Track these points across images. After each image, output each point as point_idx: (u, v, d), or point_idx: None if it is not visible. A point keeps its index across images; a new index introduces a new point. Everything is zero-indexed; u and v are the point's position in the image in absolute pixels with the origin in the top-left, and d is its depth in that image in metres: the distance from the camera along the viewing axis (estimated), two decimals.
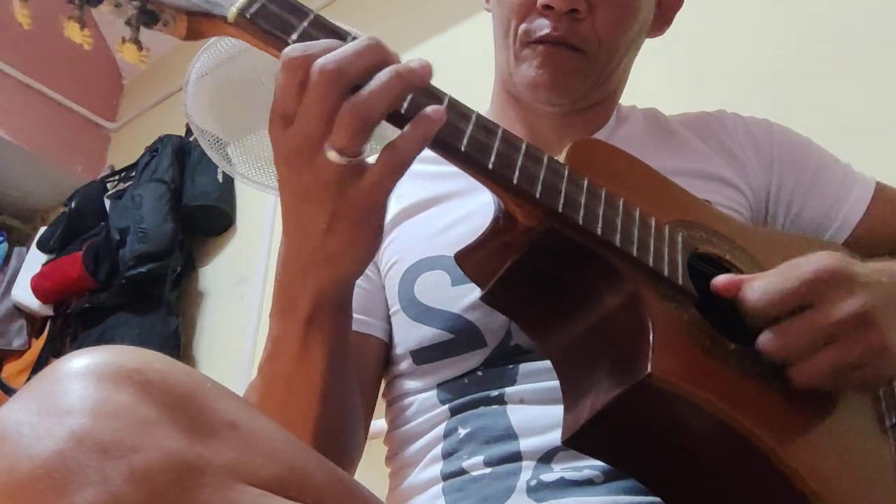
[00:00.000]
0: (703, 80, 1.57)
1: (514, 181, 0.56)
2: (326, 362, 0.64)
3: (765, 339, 0.58)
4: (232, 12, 0.55)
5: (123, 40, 0.57)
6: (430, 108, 0.52)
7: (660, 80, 1.42)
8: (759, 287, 0.59)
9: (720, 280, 0.61)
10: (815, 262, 0.60)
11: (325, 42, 0.53)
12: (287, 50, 0.52)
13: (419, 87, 0.54)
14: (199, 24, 0.56)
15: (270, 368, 0.66)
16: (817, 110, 1.38)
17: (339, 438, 0.71)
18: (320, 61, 0.51)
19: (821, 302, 0.58)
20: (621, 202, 0.61)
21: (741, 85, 1.50)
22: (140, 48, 0.58)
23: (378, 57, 0.52)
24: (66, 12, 0.56)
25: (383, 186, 0.53)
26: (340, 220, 0.55)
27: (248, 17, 0.55)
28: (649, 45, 0.91)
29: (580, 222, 0.57)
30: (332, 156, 0.52)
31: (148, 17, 0.56)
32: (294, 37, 0.54)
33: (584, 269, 0.59)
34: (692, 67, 1.59)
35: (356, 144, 0.51)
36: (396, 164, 0.53)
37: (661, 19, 0.90)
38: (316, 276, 0.59)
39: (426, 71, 0.54)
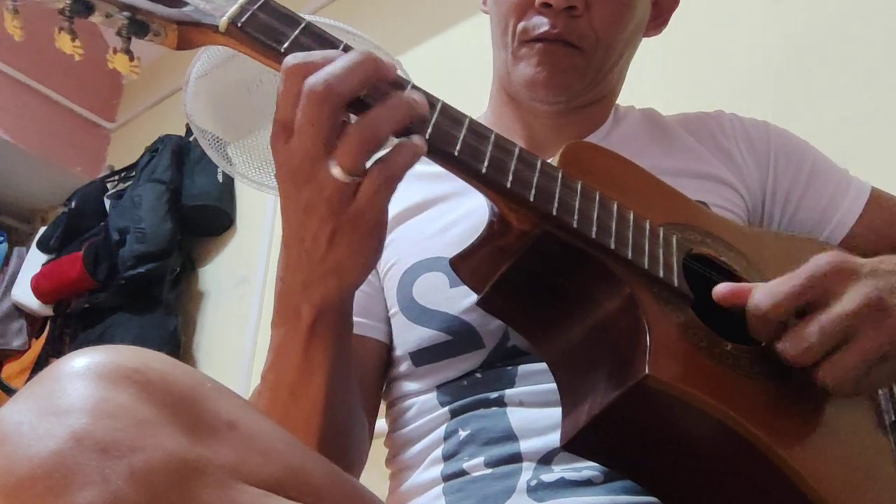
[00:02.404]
0: (702, 80, 1.57)
1: (508, 185, 0.56)
2: (329, 369, 0.64)
3: (784, 348, 0.57)
4: (223, 22, 0.55)
5: (115, 51, 0.57)
6: (416, 138, 0.54)
7: (659, 80, 1.43)
8: (763, 291, 0.58)
9: (721, 290, 0.60)
10: (814, 260, 0.59)
11: (323, 52, 0.53)
12: (287, 59, 0.52)
13: (422, 118, 0.54)
14: (190, 34, 0.57)
15: (274, 376, 0.67)
16: (817, 110, 1.39)
17: (343, 443, 0.71)
18: (310, 80, 0.51)
19: (829, 297, 0.57)
20: (615, 205, 0.61)
21: (741, 85, 1.50)
22: (131, 59, 0.58)
23: (370, 72, 0.53)
24: (57, 24, 0.55)
25: (379, 199, 0.54)
26: (343, 235, 0.55)
27: (239, 26, 0.55)
28: (649, 46, 0.91)
29: (574, 225, 0.57)
30: (337, 172, 0.52)
31: (138, 28, 0.56)
32: (285, 45, 0.55)
33: (579, 272, 0.59)
34: (692, 67, 1.59)
35: (361, 164, 0.52)
36: (388, 177, 0.53)
37: (658, 19, 0.90)
38: (320, 286, 0.59)
39: (425, 106, 0.55)
